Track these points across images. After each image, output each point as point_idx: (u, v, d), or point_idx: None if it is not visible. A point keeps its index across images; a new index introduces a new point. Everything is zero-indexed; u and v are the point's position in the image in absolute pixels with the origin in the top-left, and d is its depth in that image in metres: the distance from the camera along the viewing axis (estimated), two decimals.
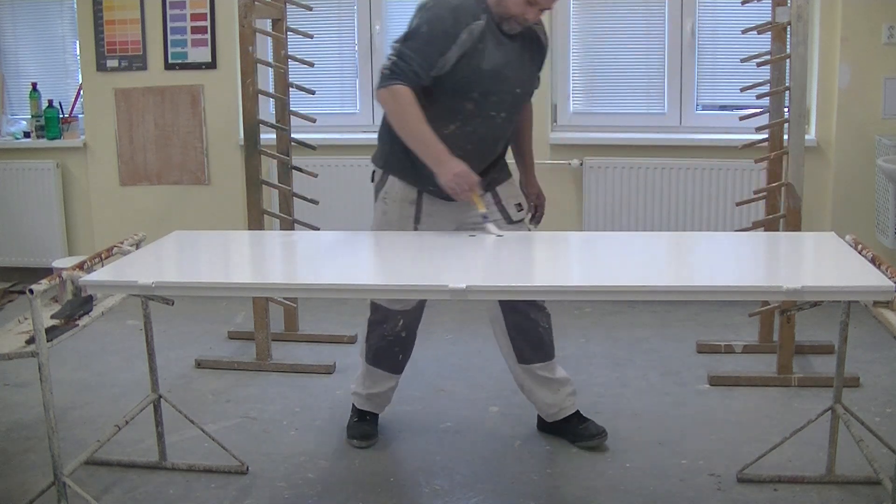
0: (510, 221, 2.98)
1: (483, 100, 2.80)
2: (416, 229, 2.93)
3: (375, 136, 5.18)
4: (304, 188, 4.16)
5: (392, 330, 3.08)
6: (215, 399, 3.58)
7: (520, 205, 3.03)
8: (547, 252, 2.79)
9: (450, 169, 2.70)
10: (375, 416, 3.24)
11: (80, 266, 2.48)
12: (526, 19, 2.76)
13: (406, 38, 2.77)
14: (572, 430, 3.11)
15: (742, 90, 3.79)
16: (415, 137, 2.74)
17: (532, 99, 3.10)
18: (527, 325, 3.04)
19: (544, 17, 2.88)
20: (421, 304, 3.08)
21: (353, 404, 3.22)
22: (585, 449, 3.06)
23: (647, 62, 4.77)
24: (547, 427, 3.18)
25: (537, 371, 3.08)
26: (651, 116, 4.82)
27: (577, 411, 3.13)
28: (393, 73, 2.73)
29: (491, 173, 2.96)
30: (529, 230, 3.10)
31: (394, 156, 2.90)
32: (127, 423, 2.89)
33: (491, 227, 2.81)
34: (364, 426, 3.19)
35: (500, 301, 3.00)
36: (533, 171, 3.18)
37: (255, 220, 3.79)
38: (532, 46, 2.91)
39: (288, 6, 3.94)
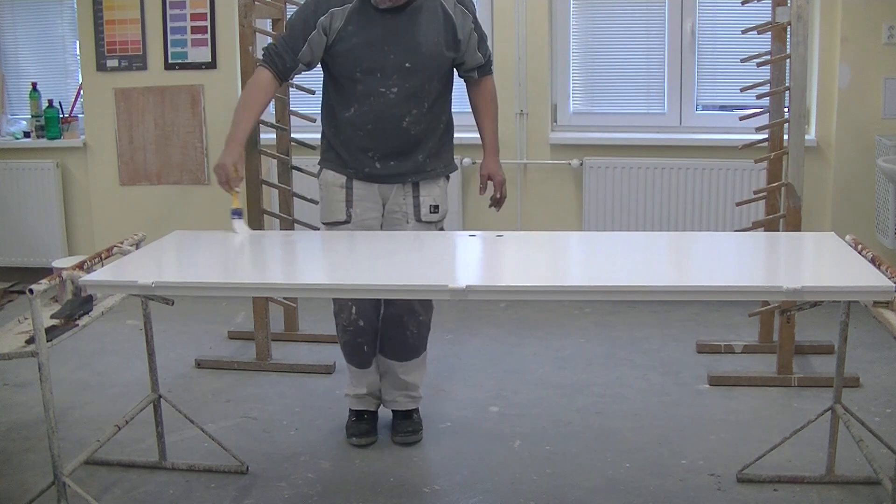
0: (418, 220, 3.05)
1: (368, 77, 2.90)
2: (347, 213, 3.02)
3: None
4: (304, 188, 4.16)
5: (349, 319, 3.09)
6: (215, 399, 3.58)
7: (436, 207, 3.07)
8: (547, 252, 2.79)
9: (220, 158, 2.87)
10: (373, 413, 3.24)
11: (80, 266, 2.48)
12: None
13: (287, 22, 3.03)
14: (393, 422, 3.23)
15: (742, 90, 3.79)
16: (235, 115, 2.96)
17: (496, 81, 3.14)
18: (397, 323, 3.12)
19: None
20: None
21: (349, 406, 3.23)
22: (398, 444, 3.16)
23: (647, 62, 4.77)
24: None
25: (390, 364, 3.18)
26: (651, 116, 4.82)
27: (408, 411, 3.22)
28: (264, 55, 2.98)
29: (417, 162, 3.00)
30: (443, 229, 3.15)
31: (325, 149, 3.07)
32: (127, 423, 2.89)
33: (237, 224, 2.88)
34: (362, 424, 3.19)
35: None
36: (492, 154, 3.15)
37: (255, 219, 3.79)
38: (431, 17, 2.90)
39: (288, 6, 3.94)
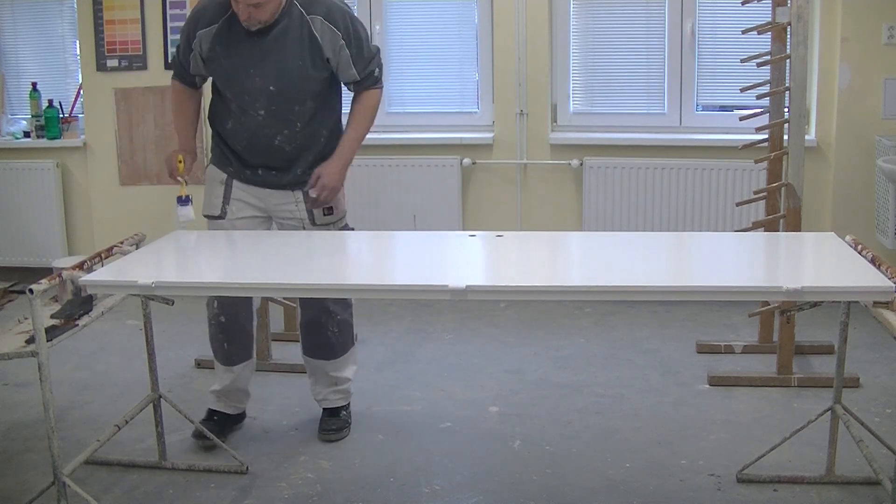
0: (313, 224, 3.07)
1: (238, 98, 2.95)
2: (223, 209, 3.06)
3: (376, 135, 5.20)
4: None
5: (212, 313, 3.11)
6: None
7: (329, 209, 3.07)
8: (547, 252, 2.79)
9: (170, 153, 3.05)
10: (225, 415, 3.18)
11: (80, 266, 2.48)
12: (241, 15, 2.79)
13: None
14: (321, 420, 3.26)
15: (742, 90, 3.79)
16: (174, 123, 3.17)
17: (360, 91, 3.04)
18: (316, 326, 3.16)
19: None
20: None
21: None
22: (321, 440, 3.19)
23: (647, 62, 4.77)
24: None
25: (317, 364, 3.22)
26: (651, 116, 4.82)
27: (336, 408, 3.26)
28: (172, 66, 3.13)
29: (297, 173, 3.03)
30: (351, 228, 3.17)
31: (213, 145, 3.12)
32: (127, 422, 2.89)
33: (182, 210, 2.95)
34: (207, 424, 3.15)
35: (300, 298, 3.18)
36: (337, 157, 3.02)
37: None
38: (296, 39, 2.87)
39: None
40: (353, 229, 3.18)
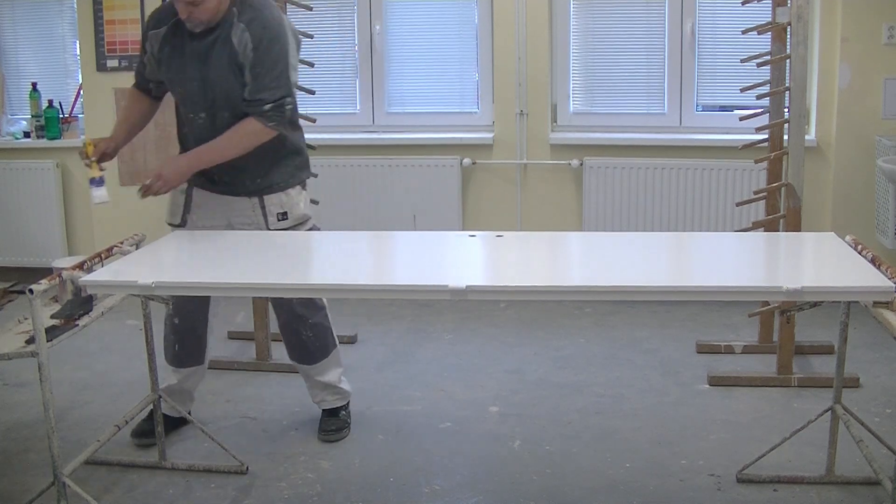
0: (268, 229, 3.05)
1: (183, 102, 2.97)
2: (183, 216, 3.06)
3: (376, 135, 5.23)
4: None
5: (167, 313, 3.11)
6: (215, 399, 3.58)
7: (283, 214, 3.05)
8: (547, 252, 2.79)
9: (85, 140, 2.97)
10: (164, 416, 3.07)
11: (80, 266, 2.48)
12: (181, 13, 2.79)
13: None
14: (320, 420, 3.28)
15: (742, 90, 3.79)
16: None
17: (256, 112, 2.85)
18: (290, 330, 3.19)
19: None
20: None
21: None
22: (321, 440, 3.20)
23: (647, 62, 4.77)
24: None
25: (307, 371, 3.24)
26: (651, 116, 4.82)
27: (335, 409, 3.28)
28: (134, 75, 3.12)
29: (246, 183, 2.98)
30: (314, 227, 3.16)
31: (182, 149, 3.07)
32: (127, 422, 2.89)
33: (95, 192, 2.91)
34: (143, 424, 3.14)
35: (272, 302, 3.20)
36: (184, 158, 2.92)
37: None
38: (223, 46, 2.82)
39: (288, 6, 3.93)
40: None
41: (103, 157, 2.97)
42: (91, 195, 2.94)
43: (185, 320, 3.12)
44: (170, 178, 2.84)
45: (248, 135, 2.85)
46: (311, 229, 3.13)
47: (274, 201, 3.03)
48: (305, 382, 3.30)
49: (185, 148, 3.03)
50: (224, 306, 4.61)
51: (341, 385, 3.29)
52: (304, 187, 3.12)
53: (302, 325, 3.16)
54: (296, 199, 3.07)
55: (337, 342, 3.28)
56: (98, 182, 2.93)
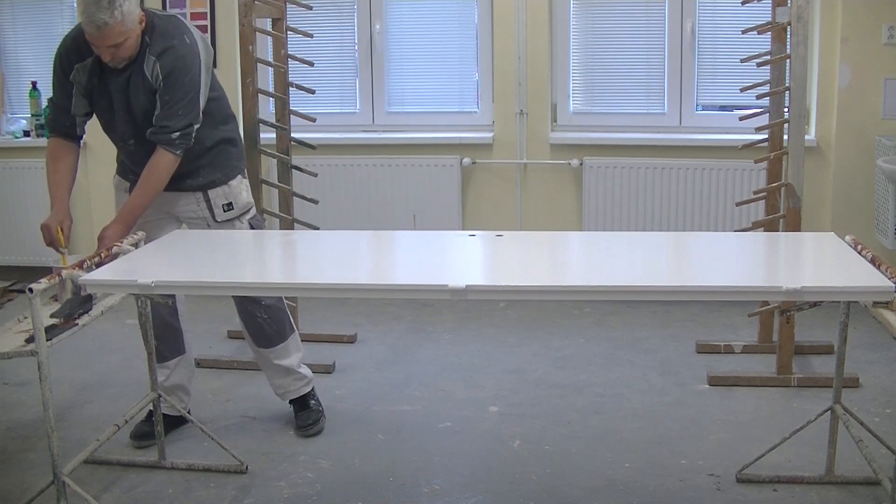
0: (215, 220, 3.10)
1: (110, 131, 3.03)
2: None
3: (376, 135, 5.22)
4: (304, 188, 4.16)
5: (143, 309, 3.07)
6: (215, 398, 3.58)
7: (229, 204, 3.11)
8: (547, 252, 2.79)
9: (48, 222, 2.88)
10: (164, 416, 3.08)
11: (80, 265, 2.48)
12: (104, 57, 2.80)
13: (52, 85, 3.01)
14: (295, 416, 3.31)
15: (742, 90, 3.79)
16: (48, 182, 2.99)
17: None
18: (247, 314, 3.23)
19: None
20: None
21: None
22: (301, 436, 3.22)
23: (647, 62, 4.77)
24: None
25: (262, 353, 3.27)
26: (651, 116, 4.82)
27: (302, 397, 3.31)
28: (47, 125, 3.09)
29: (188, 182, 3.04)
30: (253, 227, 3.19)
31: (116, 156, 3.15)
32: (127, 422, 2.89)
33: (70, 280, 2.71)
34: (142, 426, 3.15)
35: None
36: (117, 222, 2.88)
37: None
38: (140, 78, 2.86)
39: (288, 6, 3.93)
40: (263, 220, 3.25)
41: (62, 229, 2.91)
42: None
43: (156, 315, 3.09)
44: (111, 241, 2.77)
45: (161, 170, 2.91)
46: (252, 217, 3.20)
47: (218, 193, 3.10)
48: (266, 374, 3.33)
49: (122, 167, 3.11)
50: (224, 305, 4.63)
51: (301, 370, 3.32)
52: (244, 176, 3.20)
53: (257, 308, 3.20)
54: (237, 189, 3.15)
55: (295, 328, 3.34)
56: (63, 252, 2.87)
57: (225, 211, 3.11)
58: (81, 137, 3.07)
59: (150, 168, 2.90)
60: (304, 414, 3.29)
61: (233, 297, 3.22)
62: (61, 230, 2.86)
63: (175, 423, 3.23)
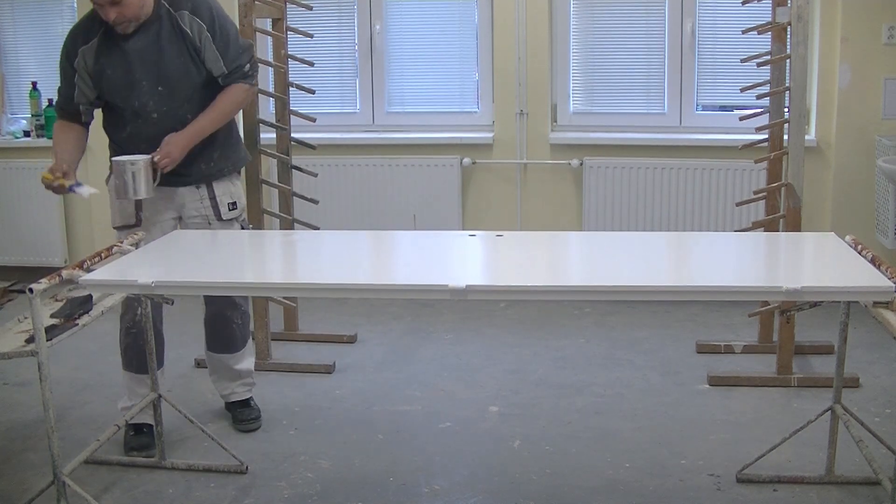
0: (219, 219, 3.11)
1: (130, 105, 2.96)
2: (137, 216, 3.06)
3: (376, 135, 5.23)
4: (304, 188, 4.16)
5: (132, 320, 3.10)
6: (215, 399, 3.58)
7: (233, 204, 3.14)
8: (547, 252, 2.79)
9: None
10: (151, 426, 3.08)
11: (80, 265, 2.48)
12: (108, 17, 2.80)
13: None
14: (234, 412, 3.35)
15: (742, 90, 3.79)
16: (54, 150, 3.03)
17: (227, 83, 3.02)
18: (222, 320, 3.24)
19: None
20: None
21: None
22: (240, 431, 3.28)
23: (647, 62, 4.77)
24: (226, 406, 3.40)
25: (222, 359, 3.30)
26: (651, 116, 4.82)
27: (246, 399, 3.35)
28: (55, 111, 3.09)
29: (200, 167, 3.07)
30: (244, 228, 3.22)
31: (118, 151, 3.04)
32: (127, 422, 2.89)
33: (81, 191, 2.94)
34: (142, 438, 3.12)
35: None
36: (184, 134, 2.96)
37: (255, 219, 3.79)
38: (170, 36, 2.91)
39: (288, 6, 3.94)
40: (251, 225, 3.29)
41: (65, 175, 2.94)
42: (80, 196, 2.96)
43: (154, 322, 3.05)
44: (175, 154, 2.93)
45: (238, 99, 3.05)
46: (244, 220, 3.25)
47: (224, 191, 3.12)
48: (213, 376, 3.36)
49: (125, 151, 2.99)
50: None
51: (253, 373, 3.38)
52: (239, 174, 3.24)
53: (235, 313, 3.24)
54: (239, 190, 3.22)
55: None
56: (76, 184, 2.94)
57: (230, 210, 3.13)
58: (89, 124, 3.08)
59: (226, 96, 3.00)
60: (247, 411, 3.33)
61: (206, 302, 3.26)
62: (51, 174, 2.89)
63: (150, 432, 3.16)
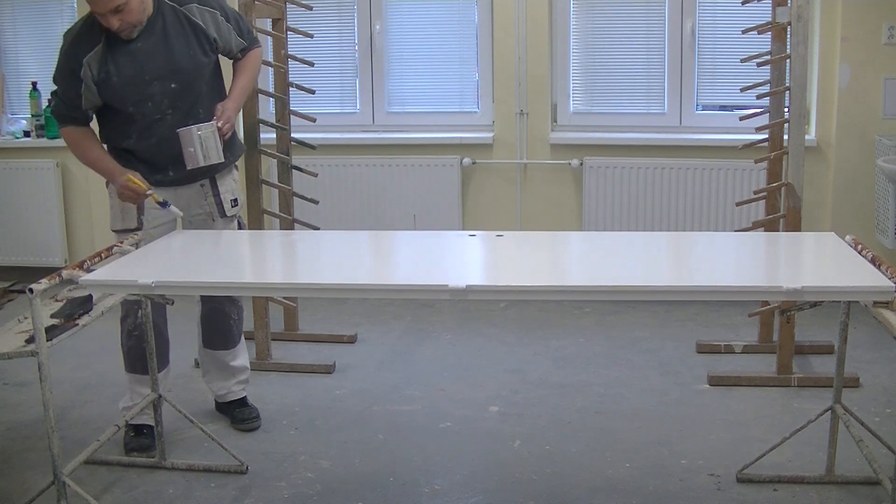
0: (223, 215, 3.14)
1: (142, 107, 2.94)
2: (139, 219, 3.04)
3: (376, 135, 5.24)
4: (304, 188, 4.16)
5: (134, 323, 3.10)
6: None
7: (235, 200, 3.18)
8: (547, 252, 2.79)
9: (120, 182, 2.92)
10: (151, 427, 3.09)
11: (80, 265, 2.48)
12: (112, 26, 2.79)
13: (54, 79, 2.98)
14: (232, 412, 3.34)
15: (742, 90, 3.79)
16: (90, 165, 3.07)
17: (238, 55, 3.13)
18: (219, 315, 3.26)
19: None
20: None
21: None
22: (240, 430, 3.28)
23: (647, 62, 4.77)
24: (218, 406, 3.40)
25: (218, 356, 3.31)
26: (651, 116, 4.82)
27: (243, 398, 3.37)
28: (56, 117, 3.05)
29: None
30: (241, 227, 3.26)
31: (117, 159, 3.02)
32: (127, 423, 2.89)
33: (173, 209, 2.98)
34: (143, 439, 3.12)
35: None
36: (232, 100, 3.07)
37: (255, 219, 3.79)
38: (179, 31, 2.93)
39: (288, 6, 3.94)
40: (244, 223, 3.33)
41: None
42: (173, 214, 2.99)
43: (156, 323, 3.06)
44: (233, 118, 3.03)
45: (258, 60, 3.22)
46: (240, 217, 3.28)
47: (227, 188, 3.14)
48: (207, 377, 3.36)
49: (131, 157, 3.00)
50: None
51: (247, 371, 3.38)
52: (237, 168, 3.30)
53: (233, 308, 3.26)
54: (238, 185, 3.26)
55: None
56: (164, 204, 2.95)
57: (233, 206, 3.16)
58: (90, 121, 3.07)
59: (248, 60, 3.14)
60: (246, 410, 3.34)
61: (203, 302, 3.26)
62: (134, 179, 2.91)
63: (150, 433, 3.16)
